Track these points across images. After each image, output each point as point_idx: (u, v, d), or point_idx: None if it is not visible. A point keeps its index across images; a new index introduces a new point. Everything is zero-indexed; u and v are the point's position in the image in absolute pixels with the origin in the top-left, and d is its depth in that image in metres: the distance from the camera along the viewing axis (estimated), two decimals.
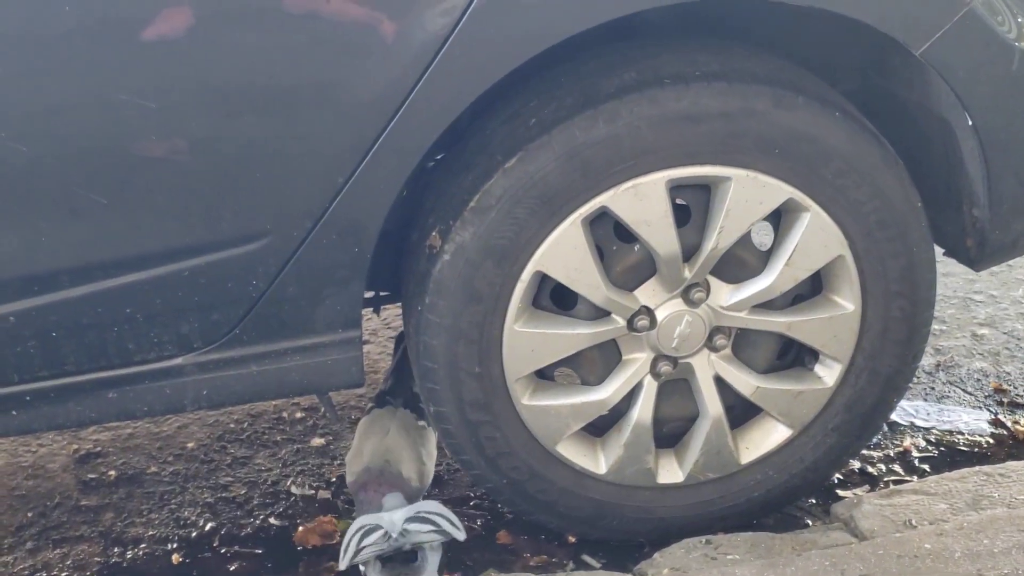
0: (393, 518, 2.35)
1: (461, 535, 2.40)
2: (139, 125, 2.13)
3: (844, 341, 2.52)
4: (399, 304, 2.81)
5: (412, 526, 2.34)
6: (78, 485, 3.12)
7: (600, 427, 2.59)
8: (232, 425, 3.36)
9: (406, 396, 2.78)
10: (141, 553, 2.83)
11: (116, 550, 2.84)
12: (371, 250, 2.31)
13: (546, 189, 2.27)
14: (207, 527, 2.91)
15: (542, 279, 2.39)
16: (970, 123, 2.40)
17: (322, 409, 3.39)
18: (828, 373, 2.56)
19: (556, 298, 2.48)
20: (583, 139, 2.26)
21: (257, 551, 2.81)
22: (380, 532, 2.31)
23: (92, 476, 3.15)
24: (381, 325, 3.94)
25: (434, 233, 2.36)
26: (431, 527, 2.35)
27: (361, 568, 2.43)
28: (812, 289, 2.54)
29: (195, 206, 2.20)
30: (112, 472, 3.17)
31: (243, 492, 3.04)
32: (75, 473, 3.17)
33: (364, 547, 2.31)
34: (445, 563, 2.50)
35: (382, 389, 2.86)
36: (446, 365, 2.41)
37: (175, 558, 2.80)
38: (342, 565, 2.36)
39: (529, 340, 2.41)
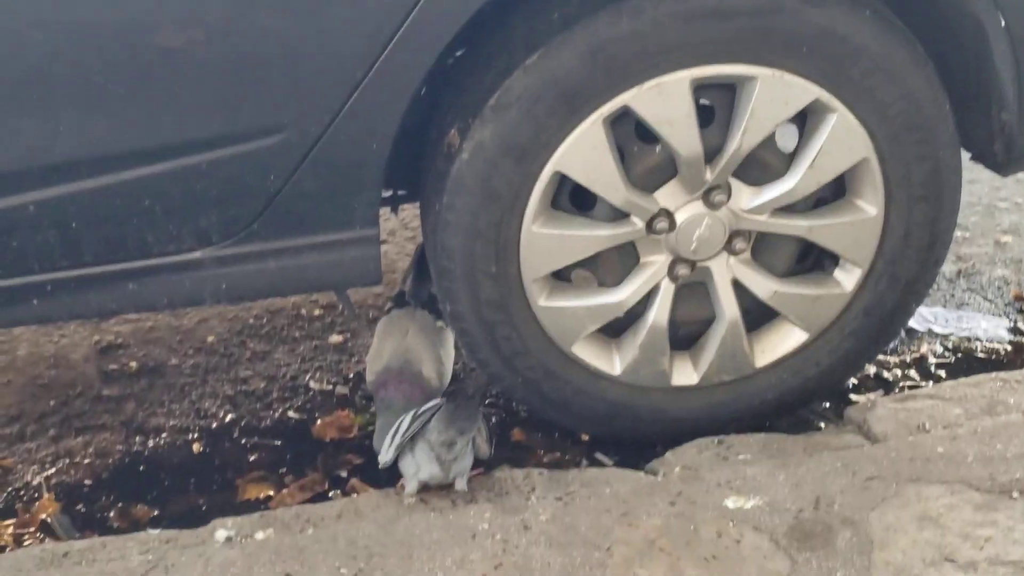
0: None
1: (487, 453, 2.43)
2: (158, 13, 2.12)
3: (865, 245, 2.50)
4: (417, 204, 2.81)
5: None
6: (100, 375, 3.16)
7: (616, 329, 2.59)
8: (251, 321, 3.38)
9: (424, 297, 2.80)
10: (162, 442, 2.87)
11: (138, 439, 2.89)
12: (389, 147, 2.30)
13: (567, 87, 2.24)
14: (227, 418, 2.95)
15: (561, 179, 2.38)
16: (1003, 23, 2.36)
17: (340, 307, 3.41)
18: (847, 278, 2.55)
19: (575, 199, 2.47)
20: (607, 35, 2.22)
21: (276, 443, 2.85)
22: (428, 412, 2.33)
23: (114, 367, 3.19)
24: (399, 226, 3.94)
25: (453, 131, 2.34)
26: (473, 424, 2.37)
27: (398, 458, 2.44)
28: (834, 193, 2.52)
29: (212, 98, 2.19)
30: (133, 363, 3.20)
31: (262, 386, 3.07)
32: (97, 364, 3.21)
33: (412, 427, 2.34)
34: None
35: (401, 289, 2.87)
36: (463, 265, 2.41)
37: (196, 448, 2.85)
38: (387, 456, 2.39)
39: (547, 241, 2.40)
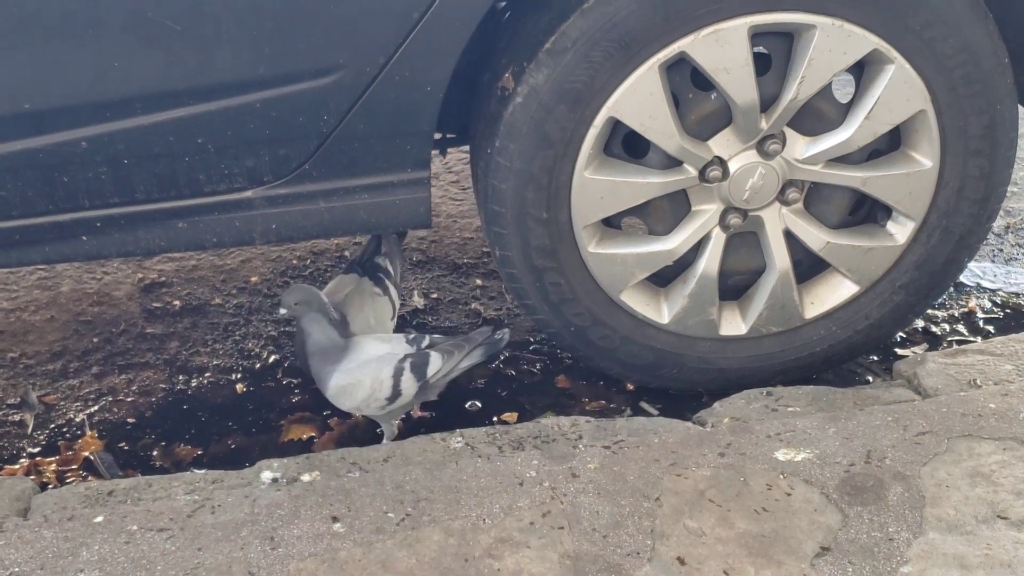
0: None
1: None
2: None
3: (919, 198, 2.48)
4: (463, 148, 2.79)
5: None
6: (143, 313, 3.16)
7: (664, 278, 2.57)
8: (295, 262, 3.37)
9: (369, 267, 2.82)
10: (206, 381, 2.87)
11: (181, 378, 2.89)
12: (443, 89, 2.27)
13: (625, 32, 2.21)
14: (271, 359, 2.95)
15: (615, 125, 2.35)
16: None
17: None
18: (900, 230, 2.53)
19: (627, 145, 2.44)
20: None
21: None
22: None
23: (157, 305, 3.19)
24: (443, 169, 3.91)
25: (507, 75, 2.32)
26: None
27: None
28: (889, 144, 2.49)
29: (269, 36, 2.16)
30: (177, 302, 3.20)
31: None
32: (140, 301, 3.21)
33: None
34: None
35: (352, 259, 2.89)
36: (514, 209, 2.39)
37: (239, 388, 2.85)
38: None
39: (599, 187, 2.38)
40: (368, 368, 2.45)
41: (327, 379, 2.47)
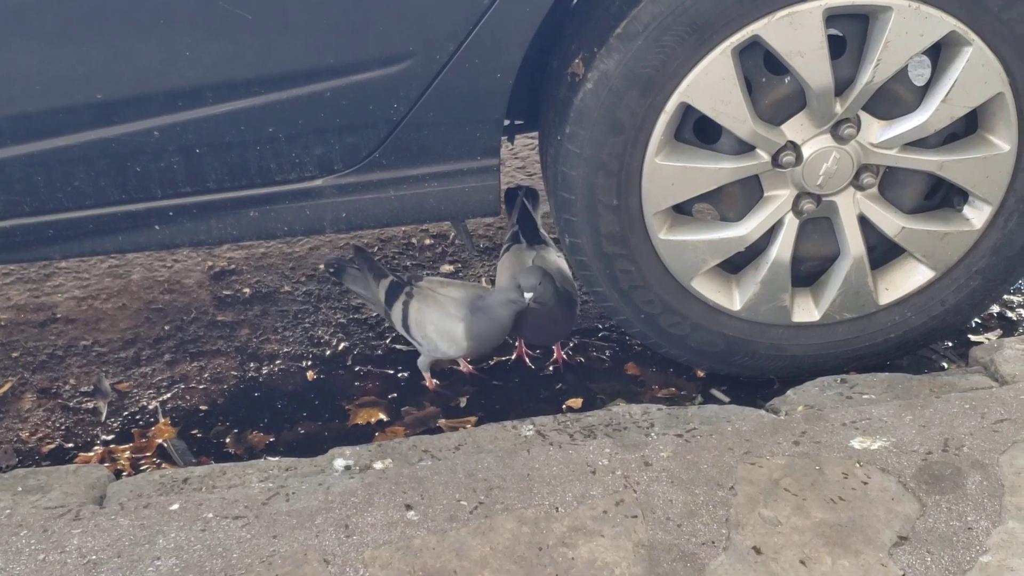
0: None
1: None
2: None
3: (996, 182, 2.43)
4: (530, 134, 2.77)
5: None
6: (213, 301, 3.18)
7: (736, 264, 2.55)
8: None
9: (532, 238, 2.86)
10: (277, 369, 2.89)
11: (252, 365, 2.91)
12: (513, 76, 2.26)
13: (697, 16, 2.19)
14: (340, 347, 2.96)
15: (686, 110, 2.33)
16: None
17: (451, 236, 3.40)
18: (977, 215, 2.48)
19: (699, 131, 2.42)
20: None
21: (389, 371, 2.85)
22: None
23: (227, 293, 3.21)
24: (508, 155, 3.90)
25: (577, 60, 2.30)
26: None
27: None
28: (966, 128, 2.45)
29: (339, 25, 2.17)
30: (247, 289, 3.22)
31: (375, 314, 3.06)
32: (210, 289, 3.23)
33: None
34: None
35: (514, 231, 2.88)
36: (584, 196, 2.38)
37: (310, 375, 2.86)
38: None
39: (670, 173, 2.36)
40: None
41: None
